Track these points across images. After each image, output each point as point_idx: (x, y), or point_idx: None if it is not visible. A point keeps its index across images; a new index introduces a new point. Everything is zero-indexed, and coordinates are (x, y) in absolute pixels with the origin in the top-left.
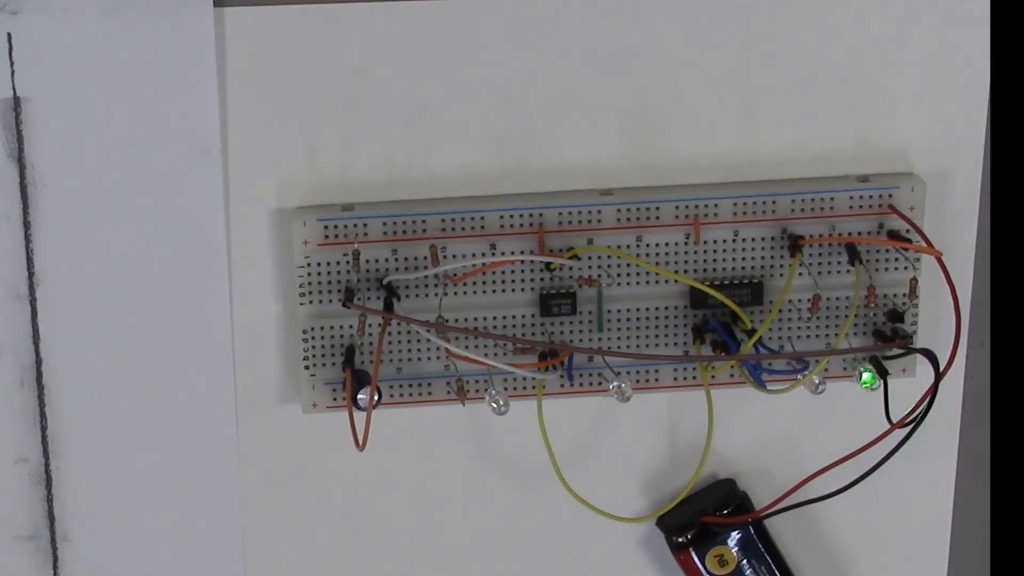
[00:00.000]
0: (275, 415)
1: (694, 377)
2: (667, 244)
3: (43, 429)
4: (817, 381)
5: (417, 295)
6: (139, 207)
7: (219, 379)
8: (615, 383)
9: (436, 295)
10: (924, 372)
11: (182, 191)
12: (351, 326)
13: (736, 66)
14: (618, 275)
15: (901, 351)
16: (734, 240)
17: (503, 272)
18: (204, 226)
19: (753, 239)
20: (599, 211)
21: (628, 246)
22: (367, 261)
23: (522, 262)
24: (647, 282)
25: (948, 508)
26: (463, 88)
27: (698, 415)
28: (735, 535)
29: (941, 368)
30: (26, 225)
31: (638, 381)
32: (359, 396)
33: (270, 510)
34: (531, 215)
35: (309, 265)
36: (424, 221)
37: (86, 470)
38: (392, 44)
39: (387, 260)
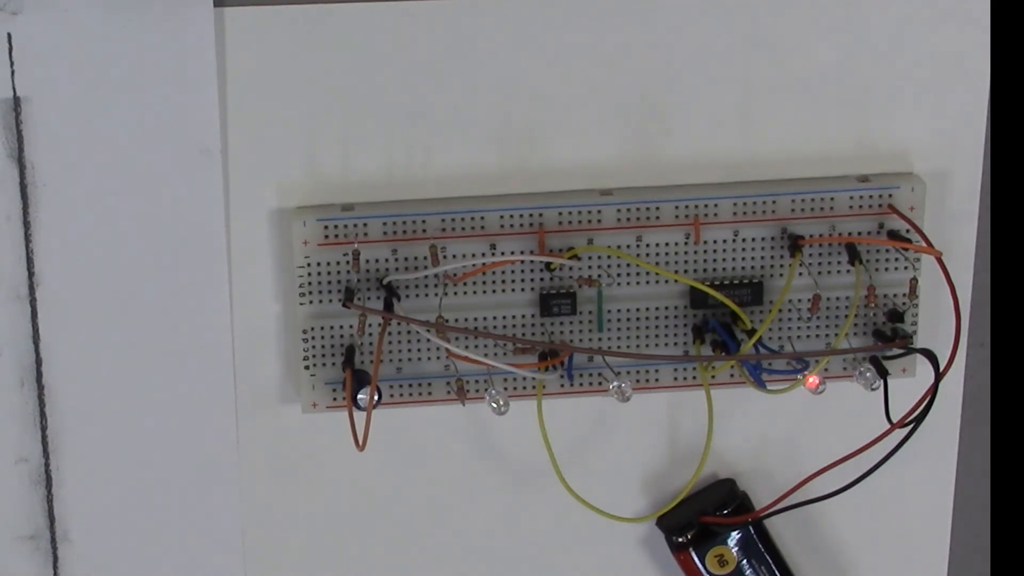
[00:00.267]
0: (275, 415)
1: (694, 377)
2: (667, 244)
3: (43, 429)
4: (817, 381)
5: (417, 295)
6: (139, 207)
7: (219, 379)
8: (615, 383)
9: (436, 295)
10: (924, 372)
11: (182, 191)
12: (351, 326)
13: (736, 66)
14: (618, 275)
15: (901, 351)
16: (734, 240)
17: (503, 272)
18: (204, 226)
19: (753, 239)
20: (599, 211)
21: (628, 246)
22: (367, 261)
23: (522, 262)
24: (647, 282)
25: (948, 508)
26: (463, 88)
27: (698, 415)
28: (735, 535)
29: (941, 368)
30: (26, 225)
31: (638, 381)
32: (359, 396)
33: (270, 510)
34: (531, 215)
35: (309, 265)
36: (424, 221)
37: (86, 470)
38: (392, 44)
39: (387, 260)
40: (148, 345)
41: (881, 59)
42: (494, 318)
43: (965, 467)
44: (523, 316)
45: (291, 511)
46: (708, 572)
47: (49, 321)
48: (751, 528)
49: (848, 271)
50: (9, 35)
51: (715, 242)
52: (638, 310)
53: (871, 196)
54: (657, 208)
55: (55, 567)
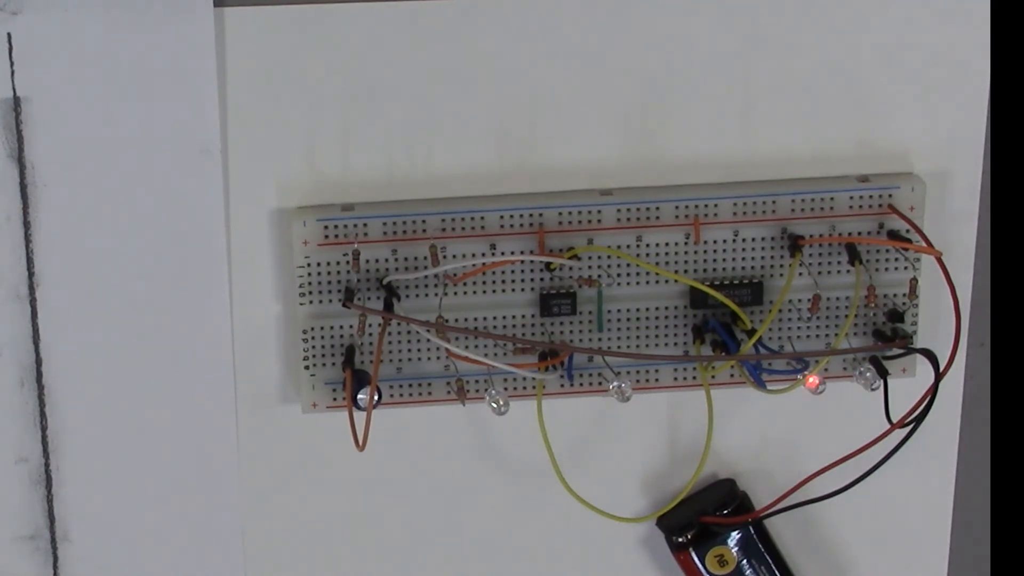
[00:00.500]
0: (275, 415)
1: (694, 377)
2: (667, 244)
3: (43, 429)
4: (817, 381)
5: (417, 295)
6: (139, 207)
7: (219, 379)
8: (615, 383)
9: (436, 295)
10: (924, 372)
11: (182, 191)
12: (351, 326)
13: (736, 66)
14: (618, 275)
15: (901, 351)
16: (734, 240)
17: (503, 272)
18: (204, 226)
19: (753, 239)
20: (599, 211)
21: (628, 246)
22: (367, 261)
23: (522, 262)
24: (647, 282)
25: (948, 508)
26: (463, 88)
27: (698, 415)
28: (735, 535)
29: (941, 368)
30: (26, 225)
31: (638, 381)
32: (359, 396)
33: (270, 510)
34: (531, 215)
35: (309, 265)
36: (424, 221)
37: (86, 470)
38: (392, 44)
39: (387, 260)
40: (148, 345)
41: (881, 59)
42: (494, 318)
43: (965, 467)
44: (523, 316)
45: (291, 511)
46: (708, 572)
47: (49, 321)
48: (751, 528)
49: (848, 271)
50: (9, 35)
51: (715, 242)
52: (638, 310)
53: (871, 196)
54: (657, 208)
55: (55, 567)
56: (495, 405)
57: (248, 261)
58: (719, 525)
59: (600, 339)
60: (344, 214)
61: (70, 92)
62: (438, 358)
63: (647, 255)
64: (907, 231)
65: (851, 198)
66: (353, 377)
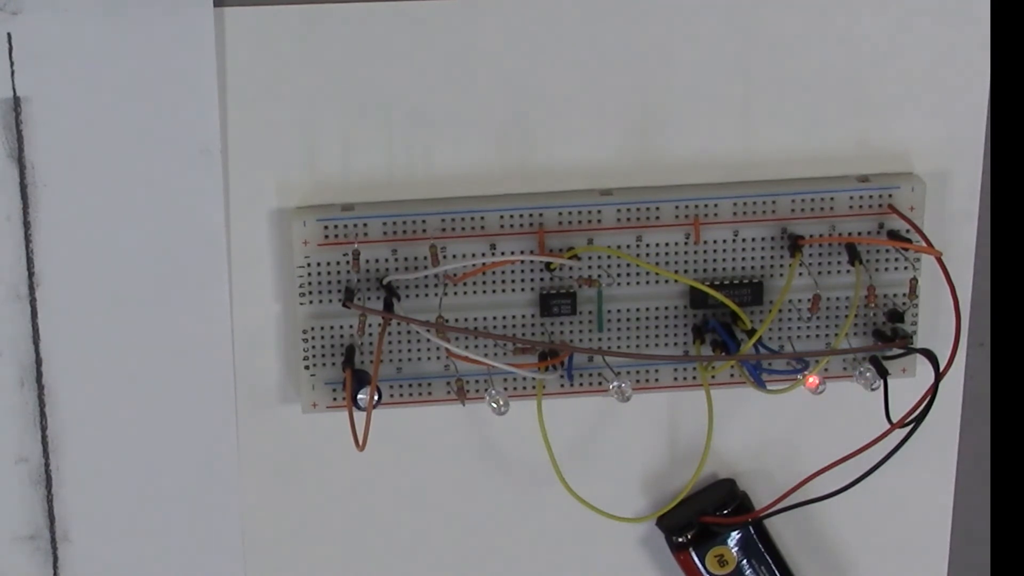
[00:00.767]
0: (275, 415)
1: (694, 377)
2: (667, 244)
3: (43, 429)
4: (817, 381)
5: (417, 295)
6: (139, 207)
7: (219, 379)
8: (615, 383)
9: (436, 295)
10: (924, 372)
11: (182, 191)
12: (351, 326)
13: (736, 66)
14: (618, 275)
15: (901, 351)
16: (734, 240)
17: (503, 272)
18: (204, 226)
19: (753, 239)
20: (599, 211)
21: (628, 246)
22: (367, 261)
23: (522, 262)
24: (647, 282)
25: (948, 508)
26: (463, 88)
27: (698, 415)
28: (735, 535)
29: (941, 368)
30: (26, 225)
31: (638, 381)
32: (359, 396)
33: (270, 510)
34: (531, 215)
35: (309, 265)
36: (424, 221)
37: (86, 470)
38: (392, 44)
39: (387, 260)
40: (148, 345)
41: (881, 59)
42: (494, 318)
43: (965, 467)
44: (523, 316)
45: (291, 511)
46: (708, 572)
47: (49, 321)
48: (751, 528)
49: (848, 271)
50: (9, 35)
51: (715, 242)
52: (638, 310)
53: (871, 196)
54: (657, 208)
55: (55, 567)
56: (495, 405)
57: (248, 261)
58: (719, 525)
59: (600, 339)
60: (344, 214)
61: (70, 92)
62: (438, 358)
63: (647, 255)
64: (907, 231)
65: (851, 198)
66: (353, 377)
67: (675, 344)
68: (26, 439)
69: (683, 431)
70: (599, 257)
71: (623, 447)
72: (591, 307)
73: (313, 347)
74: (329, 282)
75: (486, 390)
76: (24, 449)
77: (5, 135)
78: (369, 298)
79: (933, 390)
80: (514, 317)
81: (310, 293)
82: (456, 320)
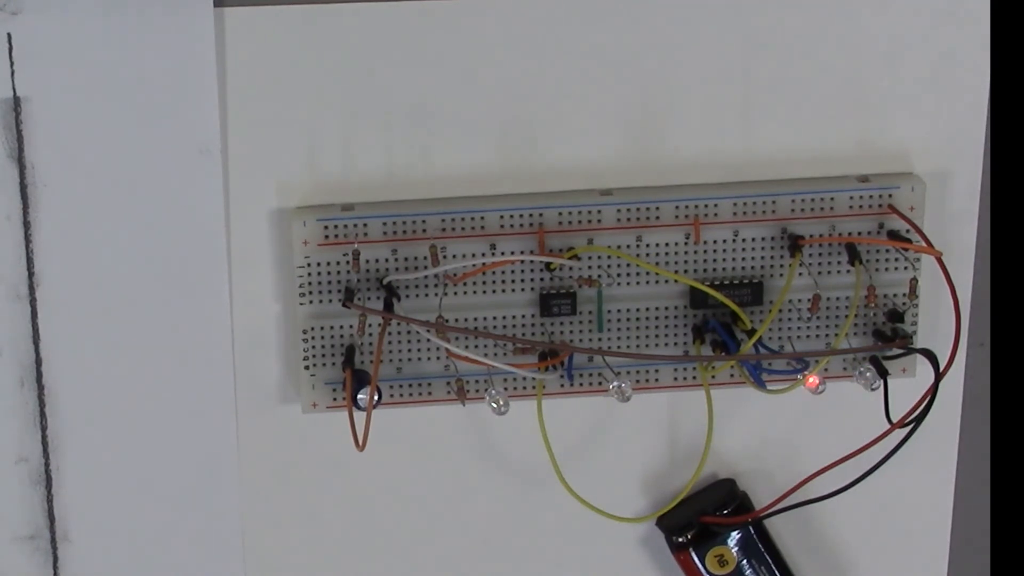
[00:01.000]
0: (275, 415)
1: (694, 377)
2: (667, 244)
3: (43, 429)
4: (817, 381)
5: (417, 295)
6: (139, 207)
7: (219, 379)
8: (615, 383)
9: (436, 295)
10: (924, 372)
11: (182, 191)
12: (351, 326)
13: (736, 66)
14: (618, 275)
15: (901, 351)
16: (734, 240)
17: (503, 272)
18: (204, 226)
19: (753, 239)
20: (599, 211)
21: (628, 246)
22: (367, 261)
23: (522, 262)
24: (647, 282)
25: (948, 508)
26: (463, 88)
27: (698, 415)
28: (735, 535)
29: (941, 368)
30: (26, 225)
31: (638, 381)
32: (359, 396)
33: (270, 510)
34: (531, 215)
35: (309, 265)
36: (424, 221)
37: (86, 470)
38: (392, 44)
39: (387, 260)
40: (148, 345)
41: (881, 59)
42: (494, 318)
43: (965, 467)
44: (523, 316)
45: (291, 511)
46: (708, 572)
47: (49, 321)
48: (751, 528)
49: (848, 271)
50: (9, 35)
51: (715, 242)
52: (638, 310)
53: (871, 196)
54: (657, 208)
55: (55, 567)
56: (495, 405)
57: (248, 261)
58: (719, 525)
59: (600, 339)
60: (344, 214)
61: (70, 92)
62: (438, 358)
63: (647, 255)
64: (907, 231)
65: (851, 198)
66: (353, 377)
67: (675, 344)
68: (26, 439)
69: (683, 431)
70: (599, 257)
71: (623, 447)
72: (591, 307)
73: (313, 347)
74: (329, 282)
75: (486, 390)
76: (24, 449)
77: (5, 135)
78: (369, 298)
79: (933, 390)
80: (514, 317)
81: (310, 293)
82: (456, 320)
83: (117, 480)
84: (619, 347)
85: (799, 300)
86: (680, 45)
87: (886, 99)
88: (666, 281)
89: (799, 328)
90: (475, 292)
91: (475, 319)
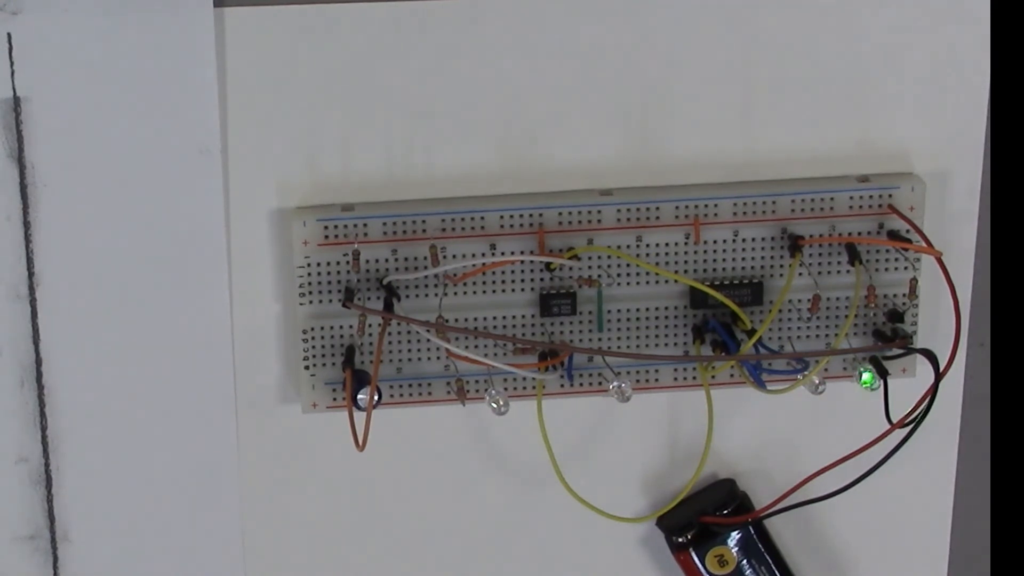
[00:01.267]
0: (275, 415)
1: (694, 377)
2: (667, 244)
3: (43, 429)
4: (817, 381)
5: (417, 295)
6: (139, 207)
7: (219, 379)
8: (615, 383)
9: (436, 295)
10: (924, 372)
11: (182, 191)
12: (351, 326)
13: (736, 66)
14: (618, 275)
15: (901, 351)
16: (734, 240)
17: (503, 272)
18: (204, 226)
19: (753, 239)
20: (599, 211)
21: (628, 246)
22: (367, 261)
23: (522, 262)
24: (647, 282)
25: (948, 508)
26: (463, 88)
27: (698, 415)
28: (735, 535)
29: (941, 368)
30: (26, 225)
31: (638, 381)
32: (359, 396)
33: (270, 510)
34: (531, 215)
35: (309, 265)
36: (424, 221)
37: (86, 470)
38: (392, 44)
39: (387, 260)
40: (148, 345)
41: (881, 59)
42: (494, 318)
43: (965, 467)
44: (523, 316)
45: (291, 511)
46: (708, 572)
47: (49, 321)
48: (751, 528)
49: (848, 271)
50: (9, 35)
51: (715, 242)
52: (638, 310)
53: (871, 196)
54: (657, 208)
55: (55, 567)
56: (495, 405)
57: (248, 261)
58: (719, 525)
59: (600, 339)
60: (344, 214)
61: (70, 92)
62: (438, 358)
63: (647, 255)
64: (907, 231)
65: (851, 198)
66: (353, 377)
67: (675, 344)
68: (26, 439)
69: (683, 431)
70: (599, 257)
71: (623, 447)
72: (591, 307)
73: (313, 347)
74: (329, 282)
75: (486, 390)
76: (24, 449)
77: (5, 135)
78: (369, 298)
79: (933, 390)
80: (514, 317)
81: (310, 293)
82: (456, 320)
83: (117, 480)
84: (619, 347)
85: (799, 300)
86: (680, 45)
87: (886, 99)
88: (666, 281)
89: (799, 328)
90: (475, 292)
91: (475, 319)
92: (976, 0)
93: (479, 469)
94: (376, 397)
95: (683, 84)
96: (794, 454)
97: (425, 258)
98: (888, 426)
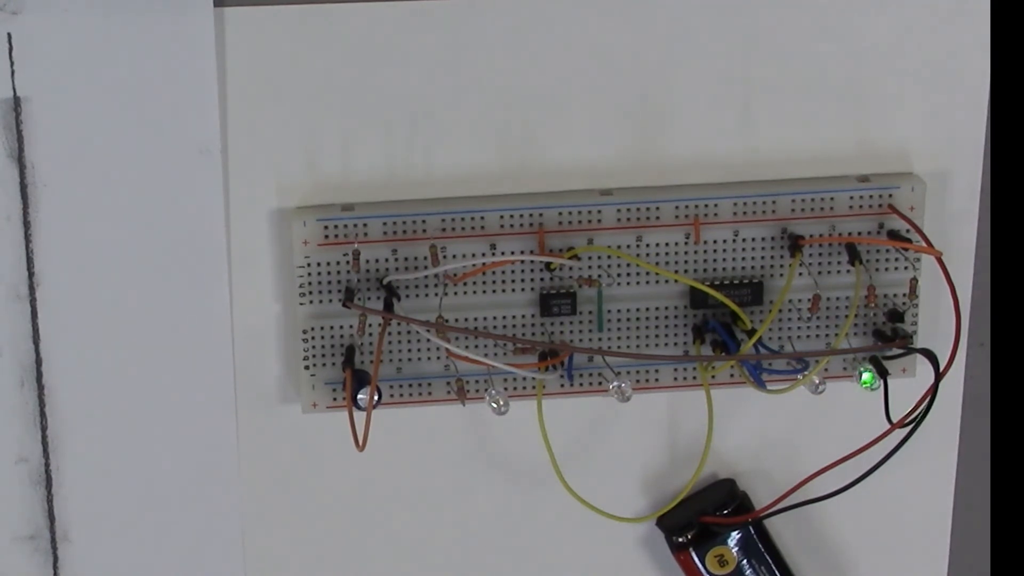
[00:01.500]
0: (275, 415)
1: (694, 377)
2: (667, 244)
3: (43, 429)
4: (817, 381)
5: (417, 295)
6: (139, 207)
7: (219, 379)
8: (615, 383)
9: (436, 295)
10: (924, 372)
11: (182, 191)
12: (351, 326)
13: (736, 66)
14: (618, 275)
15: (901, 351)
16: (734, 240)
17: (503, 272)
18: (204, 226)
19: (753, 239)
20: (599, 211)
21: (628, 246)
22: (367, 261)
23: (522, 262)
24: (647, 282)
25: (948, 508)
26: (463, 88)
27: (698, 415)
28: (735, 535)
29: (941, 368)
30: (26, 225)
31: (638, 381)
32: (359, 396)
33: (270, 510)
34: (531, 215)
35: (309, 265)
36: (424, 221)
37: (86, 470)
38: (392, 44)
39: (387, 260)
40: (148, 345)
41: (881, 59)
42: (494, 318)
43: (965, 467)
44: (523, 316)
45: (291, 511)
46: (708, 572)
47: (49, 321)
48: (751, 528)
49: (848, 271)
50: (9, 35)
51: (715, 242)
52: (638, 310)
53: (871, 196)
54: (657, 208)
55: (55, 567)
56: (495, 405)
57: (248, 261)
58: (719, 525)
59: (600, 339)
60: (344, 214)
61: (70, 92)
62: (438, 358)
63: (647, 255)
64: (907, 231)
65: (851, 198)
66: (353, 377)
67: (675, 344)
68: (26, 439)
69: (683, 431)
70: (599, 257)
71: (623, 447)
72: (591, 307)
73: (313, 347)
74: (329, 282)
75: (486, 390)
76: (24, 449)
77: (5, 135)
78: (369, 298)
79: (933, 390)
80: (514, 317)
81: (310, 293)
82: (456, 320)
83: (117, 480)
84: (619, 347)
85: (799, 300)
86: (680, 45)
87: (886, 99)
88: (666, 281)
89: (799, 328)
90: (475, 292)
91: (475, 319)
92: (976, 0)
93: (479, 469)
94: (376, 397)
95: (683, 84)
96: (794, 454)
97: (425, 258)
98: (888, 426)
